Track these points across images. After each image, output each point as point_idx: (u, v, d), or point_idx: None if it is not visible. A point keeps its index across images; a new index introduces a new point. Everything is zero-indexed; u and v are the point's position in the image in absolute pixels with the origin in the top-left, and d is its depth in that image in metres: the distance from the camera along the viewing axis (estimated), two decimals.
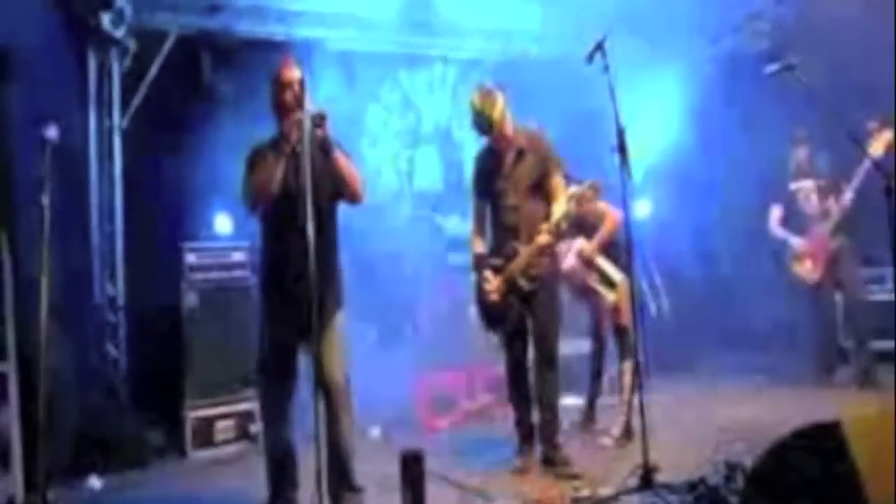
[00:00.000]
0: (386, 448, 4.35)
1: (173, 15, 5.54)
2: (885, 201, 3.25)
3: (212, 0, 5.60)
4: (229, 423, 4.95)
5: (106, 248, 5.28)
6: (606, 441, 4.38)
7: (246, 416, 4.97)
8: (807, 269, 5.54)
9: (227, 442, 4.92)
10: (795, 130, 5.59)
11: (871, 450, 2.22)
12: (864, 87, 5.22)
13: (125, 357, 5.22)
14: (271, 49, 5.53)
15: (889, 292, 5.84)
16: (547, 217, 3.88)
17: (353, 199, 3.36)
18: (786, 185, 5.68)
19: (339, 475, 3.32)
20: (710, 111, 6.44)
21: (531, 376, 4.09)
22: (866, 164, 4.91)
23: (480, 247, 4.11)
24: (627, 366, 4.48)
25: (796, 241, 5.59)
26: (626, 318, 4.49)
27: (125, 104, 5.42)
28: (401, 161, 6.85)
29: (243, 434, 4.95)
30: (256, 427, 4.83)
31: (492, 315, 4.05)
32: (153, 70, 5.46)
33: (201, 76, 5.74)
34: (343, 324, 3.41)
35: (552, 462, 3.91)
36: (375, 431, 4.99)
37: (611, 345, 4.74)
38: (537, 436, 4.02)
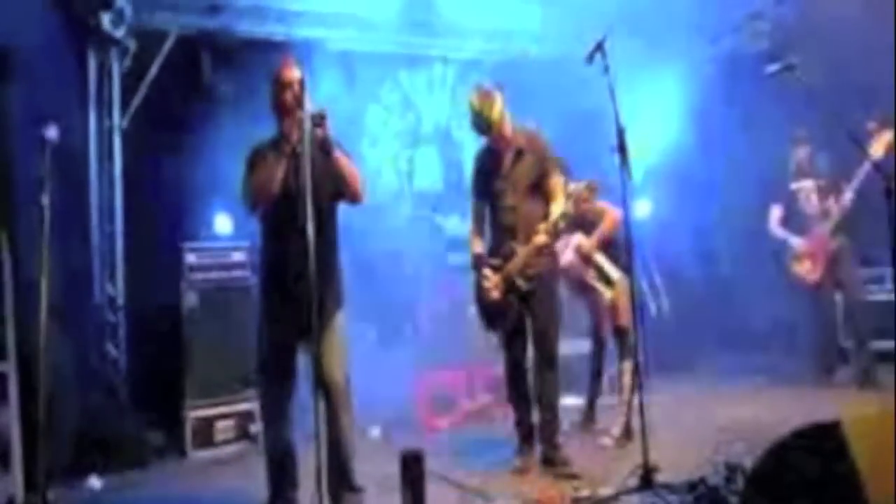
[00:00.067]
0: (386, 448, 4.35)
1: (173, 15, 5.55)
2: (885, 201, 3.25)
3: (212, 0, 5.60)
4: (229, 423, 4.95)
5: (106, 248, 5.28)
6: (606, 441, 4.38)
7: (246, 416, 4.97)
8: (807, 270, 5.53)
9: (227, 442, 4.93)
10: (796, 130, 5.59)
11: (872, 450, 2.21)
12: (864, 87, 5.22)
13: (125, 357, 5.23)
14: (271, 49, 5.53)
15: (889, 292, 5.83)
16: (545, 217, 3.88)
17: (354, 198, 3.36)
18: (786, 185, 5.68)
19: (339, 475, 3.32)
20: (710, 111, 6.44)
21: (531, 376, 4.09)
22: (866, 164, 4.91)
23: (479, 246, 4.11)
24: (627, 366, 4.48)
25: (796, 241, 5.58)
26: (625, 319, 4.49)
27: (125, 104, 5.43)
28: (401, 161, 6.85)
29: (243, 434, 4.95)
30: (256, 427, 4.83)
31: (491, 314, 4.05)
32: (153, 70, 5.47)
33: (201, 76, 5.74)
34: (343, 324, 3.41)
35: (552, 462, 3.91)
36: (375, 431, 4.99)
37: (610, 345, 4.74)
38: (537, 436, 4.02)
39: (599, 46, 3.51)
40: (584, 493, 3.43)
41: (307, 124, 3.02)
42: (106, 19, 5.08)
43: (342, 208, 3.45)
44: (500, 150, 4.02)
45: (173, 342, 4.94)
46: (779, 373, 5.82)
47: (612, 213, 4.47)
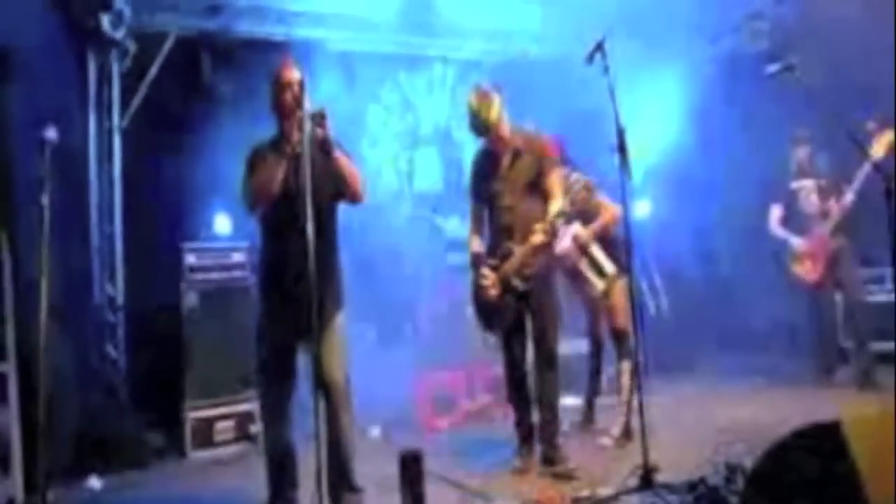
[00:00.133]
0: (386, 448, 4.35)
1: (173, 16, 5.55)
2: (885, 202, 3.25)
3: (211, 1, 5.61)
4: (229, 423, 4.95)
5: (106, 248, 5.28)
6: (606, 441, 4.38)
7: (246, 417, 4.97)
8: (806, 270, 5.53)
9: (226, 442, 4.93)
10: (796, 130, 5.58)
11: (872, 450, 2.21)
12: (864, 87, 5.22)
13: (125, 357, 5.22)
14: (271, 49, 5.53)
15: (889, 293, 5.83)
16: (543, 217, 3.87)
17: (354, 198, 3.36)
18: (786, 185, 5.67)
19: (339, 475, 3.32)
20: (710, 111, 6.43)
21: (530, 376, 4.09)
22: (867, 165, 4.90)
23: (478, 245, 4.11)
24: (626, 366, 4.47)
25: (796, 242, 5.57)
26: (623, 320, 4.48)
27: (125, 105, 5.43)
28: (401, 161, 6.85)
29: (243, 434, 4.95)
30: (256, 427, 4.83)
31: (487, 313, 4.04)
32: (153, 71, 5.47)
33: (201, 76, 5.74)
34: (343, 324, 3.41)
35: (552, 462, 3.90)
36: (375, 431, 4.99)
37: (609, 345, 4.73)
38: (537, 436, 4.02)
39: (599, 46, 3.51)
40: (585, 493, 3.43)
41: (307, 124, 3.03)
42: (105, 20, 5.08)
43: (342, 208, 3.45)
44: (498, 150, 4.01)
45: (173, 342, 4.94)
46: (779, 373, 5.82)
47: (611, 208, 4.45)
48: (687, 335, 6.43)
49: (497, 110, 3.92)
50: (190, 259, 5.01)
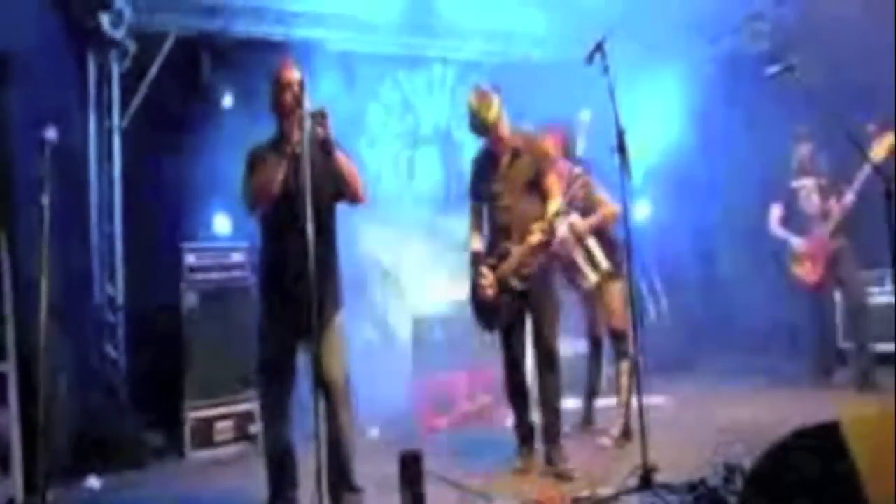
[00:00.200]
0: (385, 448, 4.35)
1: (172, 16, 5.54)
2: (885, 203, 3.25)
3: (211, 1, 5.60)
4: (229, 423, 4.95)
5: (105, 248, 5.28)
6: (605, 441, 4.37)
7: (245, 417, 4.97)
8: (806, 271, 5.51)
9: (226, 442, 4.93)
10: (798, 127, 5.56)
11: (871, 450, 2.21)
12: (864, 87, 5.22)
13: (125, 357, 5.22)
14: (271, 50, 5.53)
15: (889, 294, 5.82)
16: (542, 216, 3.87)
17: (355, 199, 3.36)
18: (786, 186, 5.66)
19: (339, 475, 3.32)
20: (711, 112, 6.44)
21: (529, 377, 4.08)
22: (867, 166, 4.89)
23: (478, 243, 4.10)
24: (625, 367, 4.46)
25: (796, 242, 5.55)
26: (621, 322, 4.47)
27: (125, 105, 5.42)
28: (401, 162, 6.85)
29: (243, 434, 4.95)
30: (256, 427, 4.83)
31: (485, 312, 4.03)
32: (153, 71, 5.46)
33: (201, 77, 5.74)
34: (343, 324, 3.41)
35: (552, 462, 3.90)
36: (375, 431, 4.99)
37: (607, 345, 4.72)
38: (539, 437, 4.01)
39: (599, 47, 3.51)
40: (584, 493, 3.43)
41: (307, 124, 3.03)
42: (105, 20, 5.08)
43: (342, 208, 3.45)
44: (498, 151, 4.02)
45: (173, 342, 4.94)
46: (778, 374, 5.82)
47: (611, 205, 4.43)
48: (687, 335, 6.43)
49: (496, 110, 3.92)
50: (190, 259, 5.02)
